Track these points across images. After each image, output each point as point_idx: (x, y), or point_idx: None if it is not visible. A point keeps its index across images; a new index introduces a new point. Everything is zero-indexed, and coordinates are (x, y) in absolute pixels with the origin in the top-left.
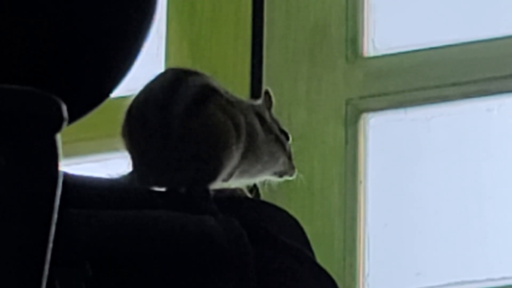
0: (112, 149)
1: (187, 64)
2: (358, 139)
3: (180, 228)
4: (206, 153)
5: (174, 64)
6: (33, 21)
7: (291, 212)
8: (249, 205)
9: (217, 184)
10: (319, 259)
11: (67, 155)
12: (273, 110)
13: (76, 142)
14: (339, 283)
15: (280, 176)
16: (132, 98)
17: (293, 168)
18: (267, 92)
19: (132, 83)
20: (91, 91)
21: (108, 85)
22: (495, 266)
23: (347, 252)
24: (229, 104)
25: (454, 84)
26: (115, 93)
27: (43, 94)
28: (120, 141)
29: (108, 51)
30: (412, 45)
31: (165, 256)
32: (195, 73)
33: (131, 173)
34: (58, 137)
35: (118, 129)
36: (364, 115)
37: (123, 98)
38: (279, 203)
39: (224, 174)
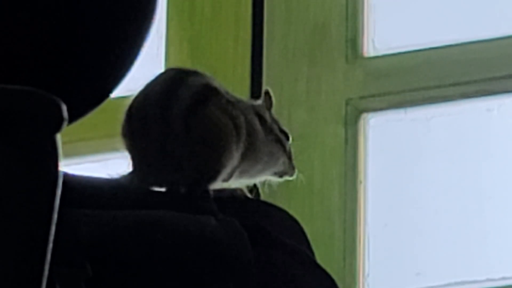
0: (112, 149)
1: (187, 64)
2: (358, 139)
3: (180, 228)
4: (206, 153)
5: (174, 64)
6: (33, 21)
7: (291, 212)
8: (249, 205)
9: (217, 184)
10: (319, 259)
11: (67, 155)
12: (273, 110)
13: (76, 142)
14: (339, 283)
15: (280, 176)
16: (132, 98)
17: (293, 168)
18: (267, 92)
19: (132, 83)
20: (91, 91)
21: (108, 85)
22: (495, 266)
23: (347, 252)
24: (229, 104)
25: (454, 84)
26: (115, 93)
27: (43, 94)
28: (120, 141)
29: (108, 51)
30: (412, 45)
31: (165, 256)
32: (195, 73)
33: (131, 173)
34: (58, 137)
35: (118, 129)
36: (364, 115)
37: (123, 98)
38: (279, 203)
39: (224, 174)
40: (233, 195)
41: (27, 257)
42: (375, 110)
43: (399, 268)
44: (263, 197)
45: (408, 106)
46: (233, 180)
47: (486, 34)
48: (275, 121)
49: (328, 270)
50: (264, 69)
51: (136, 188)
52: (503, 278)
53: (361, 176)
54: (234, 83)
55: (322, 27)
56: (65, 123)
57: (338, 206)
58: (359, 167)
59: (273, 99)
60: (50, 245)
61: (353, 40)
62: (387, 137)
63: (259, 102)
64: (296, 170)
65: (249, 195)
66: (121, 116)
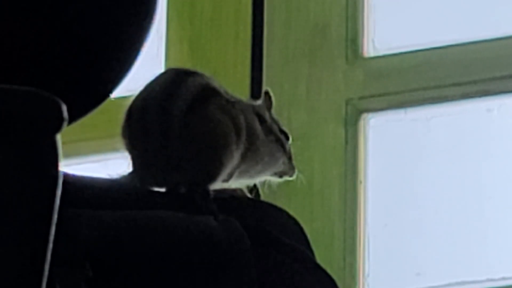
0: (112, 149)
1: (187, 64)
2: (358, 139)
3: (180, 229)
4: (206, 154)
5: (174, 64)
6: (33, 21)
7: (291, 212)
8: (249, 206)
9: (217, 185)
10: (319, 259)
11: (67, 155)
12: (273, 110)
13: (76, 143)
14: (339, 283)
15: (280, 176)
16: (132, 98)
17: (293, 168)
18: (267, 93)
19: (132, 83)
20: (91, 91)
21: (108, 85)
22: (495, 266)
23: (347, 252)
24: (229, 104)
25: (454, 84)
26: (115, 93)
27: (43, 95)
28: (120, 142)
29: (108, 52)
30: (412, 45)
31: (165, 256)
32: (195, 73)
33: (131, 174)
34: (58, 137)
35: (118, 129)
36: (364, 115)
37: (123, 98)
38: (279, 203)
39: (224, 174)
40: (233, 195)
41: (27, 257)
42: (375, 110)
43: (399, 268)
44: (263, 197)
45: (408, 106)
46: (233, 180)
47: (486, 34)
48: (275, 121)
49: (328, 270)
50: (264, 69)
51: (136, 188)
52: (503, 278)
53: (361, 176)
54: (234, 83)
55: (322, 28)
56: (65, 123)
57: (338, 206)
58: (359, 167)
59: (273, 99)
60: (50, 245)
61: (353, 40)
62: (387, 137)
63: (259, 102)
64: (296, 170)
65: (249, 195)
66: (121, 116)
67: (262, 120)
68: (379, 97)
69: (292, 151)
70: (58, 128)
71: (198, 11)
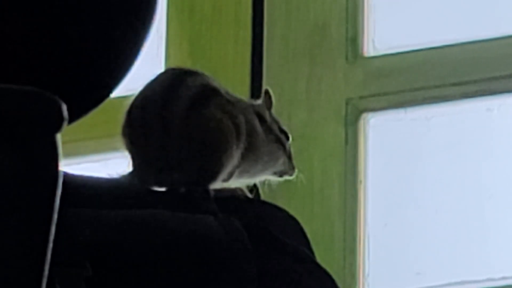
0: (112, 149)
1: (187, 64)
2: (358, 139)
3: (180, 228)
4: (206, 153)
5: (174, 64)
6: (33, 21)
7: (291, 212)
8: (249, 205)
9: (217, 184)
10: (319, 259)
11: (67, 155)
12: (273, 110)
13: (76, 142)
14: (339, 283)
15: (280, 176)
16: (132, 98)
17: (293, 168)
18: (267, 92)
19: (132, 83)
20: (91, 91)
21: (108, 85)
22: (495, 266)
23: (347, 252)
24: (229, 104)
25: (454, 84)
26: (115, 93)
27: (43, 94)
28: (120, 141)
29: (108, 51)
30: (412, 45)
31: (165, 255)
32: (195, 73)
33: (131, 173)
34: (58, 137)
35: (118, 129)
36: (364, 115)
37: (123, 98)
38: (279, 203)
39: (224, 174)
40: (233, 195)
41: (27, 257)
42: (375, 110)
43: (399, 268)
44: (263, 197)
45: (408, 105)
46: (233, 180)
47: (486, 34)
48: (275, 121)
49: (328, 270)
50: (264, 69)
51: (136, 188)
52: (503, 278)
53: (361, 176)
54: (234, 83)
55: (322, 27)
56: (65, 123)
57: (338, 206)
58: (359, 167)
59: (273, 99)
60: (50, 245)
61: (353, 40)
62: (387, 137)
63: (259, 102)
64: (296, 170)
65: (249, 195)
66: (121, 116)
67: (262, 120)
68: (379, 97)
69: (292, 150)
70: (58, 128)
71: (198, 11)
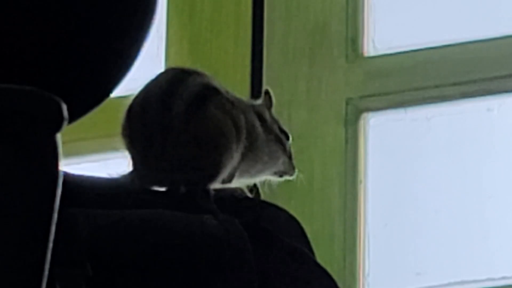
0: (112, 148)
1: (187, 64)
2: (358, 139)
3: (180, 228)
4: (206, 153)
5: (174, 64)
6: (33, 21)
7: (291, 211)
8: (250, 205)
9: (218, 184)
10: (319, 259)
11: (67, 154)
12: (273, 110)
13: (76, 142)
14: (339, 283)
15: (280, 176)
16: (132, 97)
17: (293, 168)
18: (267, 92)
19: (132, 83)
20: (91, 90)
21: (108, 84)
22: (495, 266)
23: (347, 251)
24: (230, 104)
25: (454, 84)
26: (115, 93)
27: (43, 94)
28: (120, 141)
29: (108, 51)
30: (412, 44)
31: (165, 255)
32: (196, 73)
33: (131, 173)
34: (58, 136)
35: (118, 128)
36: (364, 114)
37: (123, 97)
38: (279, 203)
39: (224, 173)
40: (233, 195)
41: (27, 257)
42: (375, 109)
43: (399, 267)
44: (263, 196)
45: (408, 105)
46: (233, 180)
47: (486, 33)
48: (275, 120)
49: (328, 269)
50: (264, 69)
51: (136, 188)
52: (504, 278)
53: (361, 176)
54: (234, 83)
55: (322, 27)
56: (66, 122)
57: (338, 205)
58: (359, 167)
59: (273, 98)
60: (50, 245)
61: (353, 40)
62: (387, 136)
63: (259, 102)
64: (296, 170)
65: (249, 195)
66: (121, 115)
67: (262, 120)
68: (379, 97)
69: (292, 150)
70: (58, 128)
71: (198, 11)
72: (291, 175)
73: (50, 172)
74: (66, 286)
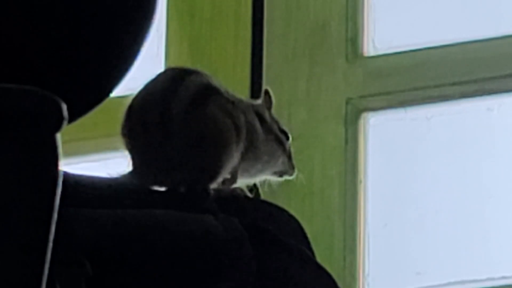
0: (112, 148)
1: (187, 64)
2: (358, 139)
3: (180, 227)
4: (206, 153)
5: (174, 64)
6: (33, 21)
7: (291, 211)
8: (249, 205)
9: (218, 184)
10: (319, 259)
11: (67, 154)
12: (273, 110)
13: (76, 142)
14: (339, 283)
15: (280, 175)
16: (132, 97)
17: (293, 167)
18: (267, 92)
19: (132, 82)
20: (91, 90)
21: (108, 84)
22: (495, 266)
23: (347, 251)
24: (229, 104)
25: (454, 84)
26: (115, 93)
27: (43, 94)
28: (120, 141)
29: (108, 51)
30: (412, 44)
31: (164, 255)
32: (195, 72)
33: (131, 173)
34: (58, 136)
35: (118, 128)
36: (364, 114)
37: (123, 97)
38: (279, 202)
39: (224, 173)
40: (233, 195)
41: (27, 257)
42: (375, 109)
43: (399, 267)
44: (263, 196)
45: (408, 105)
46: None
47: (486, 33)
48: (275, 120)
49: (328, 269)
50: (264, 69)
51: (136, 188)
52: (503, 278)
53: (361, 176)
54: (234, 83)
55: (322, 27)
56: (65, 122)
57: (338, 205)
58: (359, 167)
59: (273, 98)
60: (50, 245)
61: (353, 40)
62: (387, 136)
63: (259, 101)
64: (296, 170)
65: (249, 194)
66: (121, 115)
67: (262, 120)
68: (379, 96)
69: (292, 150)
70: (58, 127)
71: (198, 11)
72: (291, 175)
73: (50, 172)
74: (66, 286)
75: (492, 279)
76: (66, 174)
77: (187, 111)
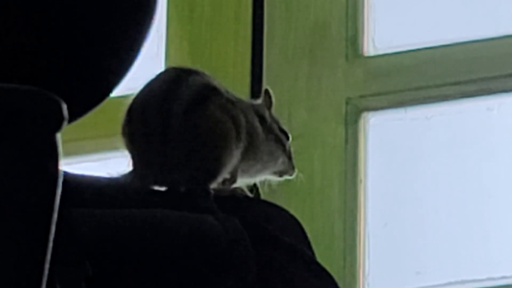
0: (112, 148)
1: (187, 64)
2: (358, 138)
3: (180, 227)
4: (206, 152)
5: (174, 63)
6: (33, 20)
7: (291, 211)
8: (249, 205)
9: (219, 184)
10: (319, 259)
11: (67, 154)
12: (273, 110)
13: (76, 141)
14: (339, 282)
15: (280, 175)
16: (132, 97)
17: (293, 167)
18: (267, 92)
19: (132, 82)
20: (91, 90)
21: (108, 84)
22: (495, 265)
23: (347, 251)
24: (229, 104)
25: (454, 83)
26: (115, 92)
27: (43, 93)
28: (120, 140)
29: (108, 50)
30: (412, 44)
31: (164, 254)
32: (196, 72)
33: (131, 172)
34: (59, 136)
35: (118, 128)
36: (364, 114)
37: (123, 97)
38: (279, 202)
39: (224, 173)
40: (233, 194)
41: (27, 257)
42: (375, 109)
43: (399, 267)
44: (263, 196)
45: (408, 105)
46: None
47: (486, 33)
48: (275, 120)
49: (328, 269)
50: (264, 69)
51: (136, 187)
52: (504, 277)
53: (361, 175)
54: (234, 83)
55: (322, 26)
56: (66, 122)
57: (338, 205)
58: (359, 166)
59: (273, 98)
60: (50, 245)
61: (353, 39)
62: (387, 136)
63: (259, 101)
64: (296, 169)
65: (249, 194)
66: (121, 115)
67: (262, 119)
68: (379, 96)
69: (292, 150)
70: (58, 127)
71: (198, 11)
72: (291, 174)
73: (50, 171)
74: (66, 286)
75: (492, 279)
76: (66, 174)
77: (187, 111)
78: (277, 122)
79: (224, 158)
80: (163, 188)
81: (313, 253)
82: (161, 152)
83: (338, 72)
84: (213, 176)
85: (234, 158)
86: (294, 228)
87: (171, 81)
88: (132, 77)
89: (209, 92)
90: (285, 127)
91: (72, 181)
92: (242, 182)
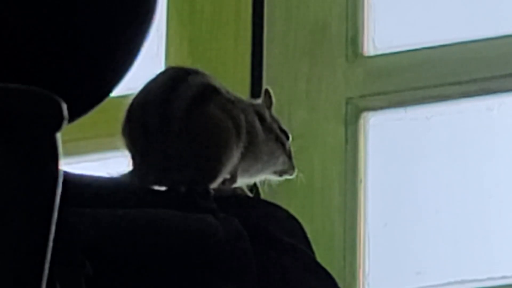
0: (112, 148)
1: (187, 64)
2: (358, 138)
3: (180, 227)
4: (206, 152)
5: (174, 63)
6: (33, 20)
7: (292, 211)
8: (250, 204)
9: (219, 184)
10: (320, 258)
11: (67, 154)
12: (273, 109)
13: (76, 141)
14: (339, 282)
15: (280, 175)
16: (132, 97)
17: (293, 167)
18: (267, 91)
19: (132, 82)
20: (91, 90)
21: (108, 84)
22: (495, 265)
23: (347, 251)
24: (230, 103)
25: (454, 83)
26: (115, 92)
27: (43, 93)
28: (120, 140)
29: (108, 51)
30: (412, 44)
31: (164, 254)
32: (196, 72)
33: (131, 172)
34: (59, 136)
35: (118, 128)
36: (364, 114)
37: (123, 97)
38: (279, 202)
39: (224, 173)
40: (233, 194)
41: (27, 257)
42: (375, 109)
43: (399, 267)
44: (263, 196)
45: (408, 105)
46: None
47: (486, 33)
48: (275, 120)
49: (328, 269)
50: (264, 69)
51: (136, 187)
52: (504, 277)
53: (361, 175)
54: (234, 83)
55: (322, 26)
56: (66, 122)
57: (338, 205)
58: (359, 166)
59: (273, 98)
60: (50, 245)
61: (353, 39)
62: (387, 136)
63: (259, 101)
64: (296, 169)
65: (249, 194)
66: (121, 115)
67: (262, 119)
68: (379, 96)
69: (292, 150)
70: (58, 127)
71: (198, 11)
72: (291, 174)
73: (50, 171)
74: (66, 286)
75: (492, 279)
76: (66, 174)
77: (187, 111)
78: (277, 122)
79: (224, 158)
80: (163, 188)
81: (313, 253)
82: (161, 152)
83: (338, 72)
84: (213, 176)
85: (234, 158)
86: (294, 228)
87: (171, 81)
88: (132, 77)
89: (209, 92)
90: (285, 127)
91: (72, 181)
92: (242, 182)
